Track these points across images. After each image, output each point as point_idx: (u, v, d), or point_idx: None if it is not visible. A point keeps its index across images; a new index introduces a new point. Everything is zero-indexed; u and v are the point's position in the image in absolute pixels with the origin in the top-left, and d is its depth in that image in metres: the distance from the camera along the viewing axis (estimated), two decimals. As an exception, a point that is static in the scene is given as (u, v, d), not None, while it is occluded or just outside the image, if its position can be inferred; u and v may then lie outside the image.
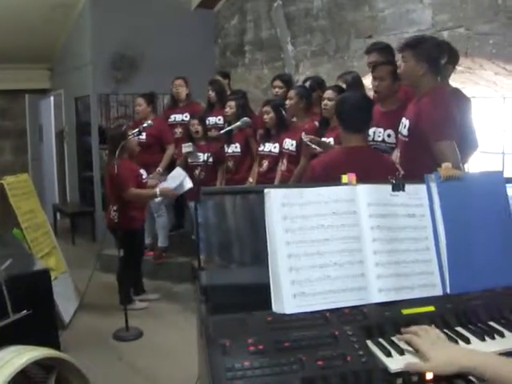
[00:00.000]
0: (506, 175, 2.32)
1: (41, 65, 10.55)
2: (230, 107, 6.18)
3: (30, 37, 8.83)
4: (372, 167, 3.04)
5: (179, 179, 6.06)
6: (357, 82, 5.00)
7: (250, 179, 6.03)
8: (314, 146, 4.52)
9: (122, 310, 5.37)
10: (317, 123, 5.13)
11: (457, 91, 4.39)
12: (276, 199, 1.99)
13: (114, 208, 5.60)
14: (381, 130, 4.24)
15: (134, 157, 5.84)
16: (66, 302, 5.58)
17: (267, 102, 5.83)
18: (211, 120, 6.94)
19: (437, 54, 3.46)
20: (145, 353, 4.92)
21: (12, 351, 2.57)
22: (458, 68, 5.32)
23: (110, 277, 6.41)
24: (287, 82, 6.21)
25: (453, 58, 4.27)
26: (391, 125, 4.07)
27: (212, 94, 6.96)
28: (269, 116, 5.60)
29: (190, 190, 6.27)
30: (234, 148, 6.21)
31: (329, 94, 4.82)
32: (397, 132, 3.85)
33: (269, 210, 1.99)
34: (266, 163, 5.72)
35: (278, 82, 6.14)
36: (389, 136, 4.22)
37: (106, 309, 5.92)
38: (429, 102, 3.36)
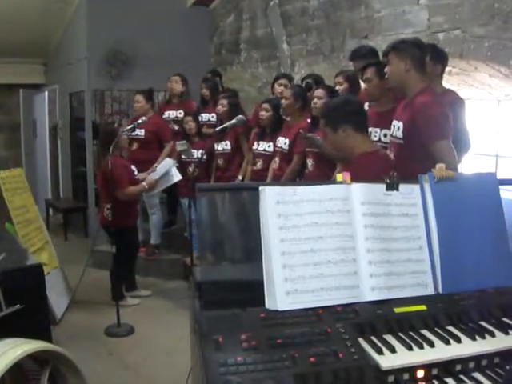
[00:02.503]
0: (499, 177, 2.33)
1: (36, 60, 10.51)
2: (223, 105, 6.16)
3: (25, 31, 8.80)
4: None
5: (167, 167, 6.08)
6: (357, 79, 5.04)
7: (239, 177, 6.04)
8: (316, 137, 4.58)
9: (113, 306, 5.37)
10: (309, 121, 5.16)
11: (450, 92, 4.42)
12: (271, 197, 2.00)
13: (108, 206, 5.59)
14: (377, 129, 4.25)
15: (122, 155, 5.84)
16: (57, 298, 5.57)
17: (267, 100, 5.82)
18: (204, 117, 6.95)
19: (418, 52, 3.48)
20: (136, 349, 4.92)
21: (7, 343, 2.57)
22: (453, 70, 5.35)
23: (102, 273, 6.40)
24: (291, 80, 6.21)
25: (440, 58, 4.30)
26: (387, 125, 4.08)
27: (206, 91, 6.97)
28: (266, 114, 5.59)
29: (183, 186, 6.29)
30: (225, 145, 6.20)
31: (319, 93, 4.82)
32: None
33: (263, 207, 2.00)
34: (260, 162, 5.72)
35: (283, 81, 6.12)
36: (385, 136, 4.22)
37: (97, 305, 5.91)
38: (423, 102, 3.36)
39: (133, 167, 5.86)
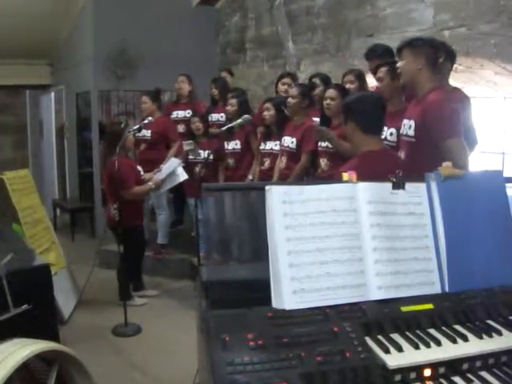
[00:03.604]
0: (505, 175, 2.33)
1: (42, 60, 10.54)
2: (232, 105, 6.19)
3: (31, 32, 8.83)
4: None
5: (173, 166, 6.10)
6: (364, 77, 5.06)
7: (250, 176, 6.04)
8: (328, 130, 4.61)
9: (121, 305, 5.38)
10: (316, 119, 5.16)
11: (457, 90, 4.41)
12: (277, 196, 2.00)
13: (115, 206, 5.60)
14: (385, 128, 4.25)
15: (127, 155, 5.85)
16: (65, 298, 5.58)
17: (269, 99, 5.83)
18: (214, 117, 6.97)
19: (433, 51, 3.47)
20: (143, 348, 4.93)
21: (15, 343, 2.58)
22: (459, 67, 5.34)
23: (109, 273, 6.42)
24: (295, 79, 6.22)
25: (450, 55, 4.29)
26: (396, 124, 4.08)
27: (215, 91, 6.99)
28: (269, 113, 5.59)
29: (190, 186, 6.30)
30: (235, 145, 6.22)
31: (331, 93, 4.79)
32: (398, 131, 3.85)
33: (269, 206, 2.00)
34: (267, 161, 5.71)
35: (287, 80, 6.13)
36: (391, 134, 4.22)
37: (105, 305, 5.93)
38: (434, 100, 3.36)
39: (139, 167, 5.87)
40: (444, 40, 5.06)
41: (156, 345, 4.98)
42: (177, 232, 7.43)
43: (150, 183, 5.84)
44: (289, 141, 5.30)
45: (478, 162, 5.56)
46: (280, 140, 5.51)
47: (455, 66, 5.00)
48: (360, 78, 5.05)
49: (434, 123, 3.30)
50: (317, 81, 5.60)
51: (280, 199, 2.00)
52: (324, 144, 4.86)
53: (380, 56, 4.76)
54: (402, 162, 3.41)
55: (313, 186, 2.08)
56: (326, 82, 5.55)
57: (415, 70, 3.45)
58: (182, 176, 6.15)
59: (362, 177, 2.16)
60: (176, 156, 6.61)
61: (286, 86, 5.97)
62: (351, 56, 6.63)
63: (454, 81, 4.54)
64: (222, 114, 6.86)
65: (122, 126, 5.84)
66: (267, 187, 2.02)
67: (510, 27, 4.82)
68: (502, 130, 6.05)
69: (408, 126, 3.55)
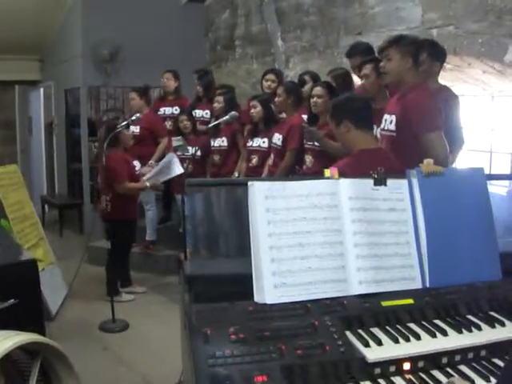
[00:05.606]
0: (492, 173, 2.36)
1: (31, 56, 10.51)
2: (219, 102, 6.21)
3: (21, 28, 8.80)
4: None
5: (168, 159, 6.10)
6: (349, 78, 5.07)
7: (236, 173, 6.05)
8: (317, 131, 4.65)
9: (108, 301, 5.39)
10: (304, 117, 5.17)
11: (445, 89, 4.43)
12: (259, 192, 2.02)
13: (108, 198, 5.62)
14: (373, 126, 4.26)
15: (127, 149, 5.87)
16: (53, 293, 5.57)
17: (254, 96, 5.85)
18: (198, 113, 6.99)
19: (417, 50, 3.50)
20: (130, 344, 4.94)
21: (-2, 335, 2.59)
22: (447, 66, 5.36)
23: (97, 269, 6.41)
24: (280, 76, 6.24)
25: (439, 55, 4.32)
26: (380, 122, 4.10)
27: (199, 87, 7.00)
28: (256, 110, 5.61)
29: (178, 182, 6.31)
30: (221, 142, 6.23)
31: (318, 91, 4.81)
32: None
33: (252, 202, 2.02)
34: (255, 158, 5.72)
35: (270, 76, 6.14)
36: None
37: (92, 300, 5.93)
38: (416, 95, 3.39)
39: (135, 162, 5.89)
40: (432, 38, 5.09)
41: (143, 341, 4.99)
42: (165, 228, 7.44)
43: (146, 183, 5.86)
44: (276, 138, 5.33)
45: (465, 160, 5.59)
46: (268, 137, 5.53)
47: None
48: (338, 79, 5.05)
49: (414, 117, 3.33)
50: (306, 77, 5.62)
51: (262, 195, 2.02)
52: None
53: (361, 53, 4.77)
54: (398, 162, 3.41)
55: (295, 182, 2.09)
56: (316, 79, 5.57)
57: (404, 70, 3.46)
58: (179, 169, 6.14)
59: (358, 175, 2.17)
60: (165, 152, 6.62)
61: (269, 83, 6.00)
62: (339, 54, 6.64)
63: (441, 79, 4.56)
64: (207, 111, 6.90)
65: (120, 121, 5.88)
66: (250, 183, 2.04)
67: (498, 26, 4.84)
68: (490, 129, 6.08)
69: (389, 121, 3.57)
